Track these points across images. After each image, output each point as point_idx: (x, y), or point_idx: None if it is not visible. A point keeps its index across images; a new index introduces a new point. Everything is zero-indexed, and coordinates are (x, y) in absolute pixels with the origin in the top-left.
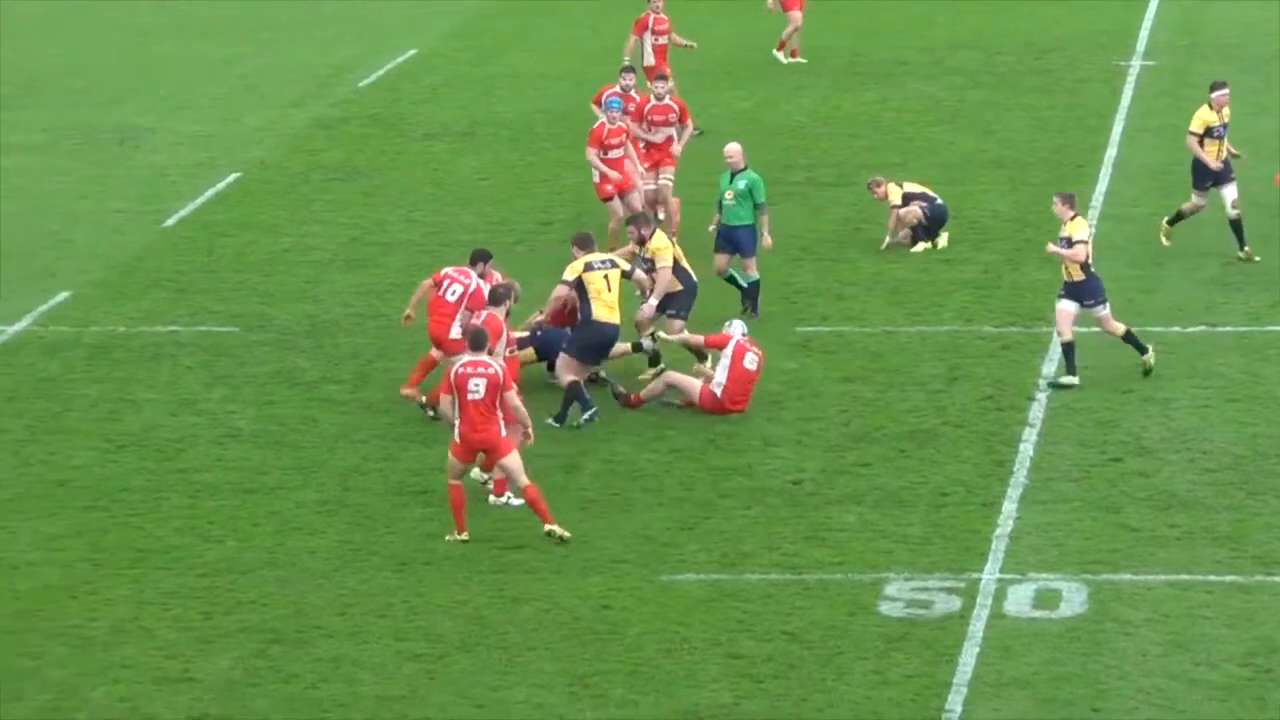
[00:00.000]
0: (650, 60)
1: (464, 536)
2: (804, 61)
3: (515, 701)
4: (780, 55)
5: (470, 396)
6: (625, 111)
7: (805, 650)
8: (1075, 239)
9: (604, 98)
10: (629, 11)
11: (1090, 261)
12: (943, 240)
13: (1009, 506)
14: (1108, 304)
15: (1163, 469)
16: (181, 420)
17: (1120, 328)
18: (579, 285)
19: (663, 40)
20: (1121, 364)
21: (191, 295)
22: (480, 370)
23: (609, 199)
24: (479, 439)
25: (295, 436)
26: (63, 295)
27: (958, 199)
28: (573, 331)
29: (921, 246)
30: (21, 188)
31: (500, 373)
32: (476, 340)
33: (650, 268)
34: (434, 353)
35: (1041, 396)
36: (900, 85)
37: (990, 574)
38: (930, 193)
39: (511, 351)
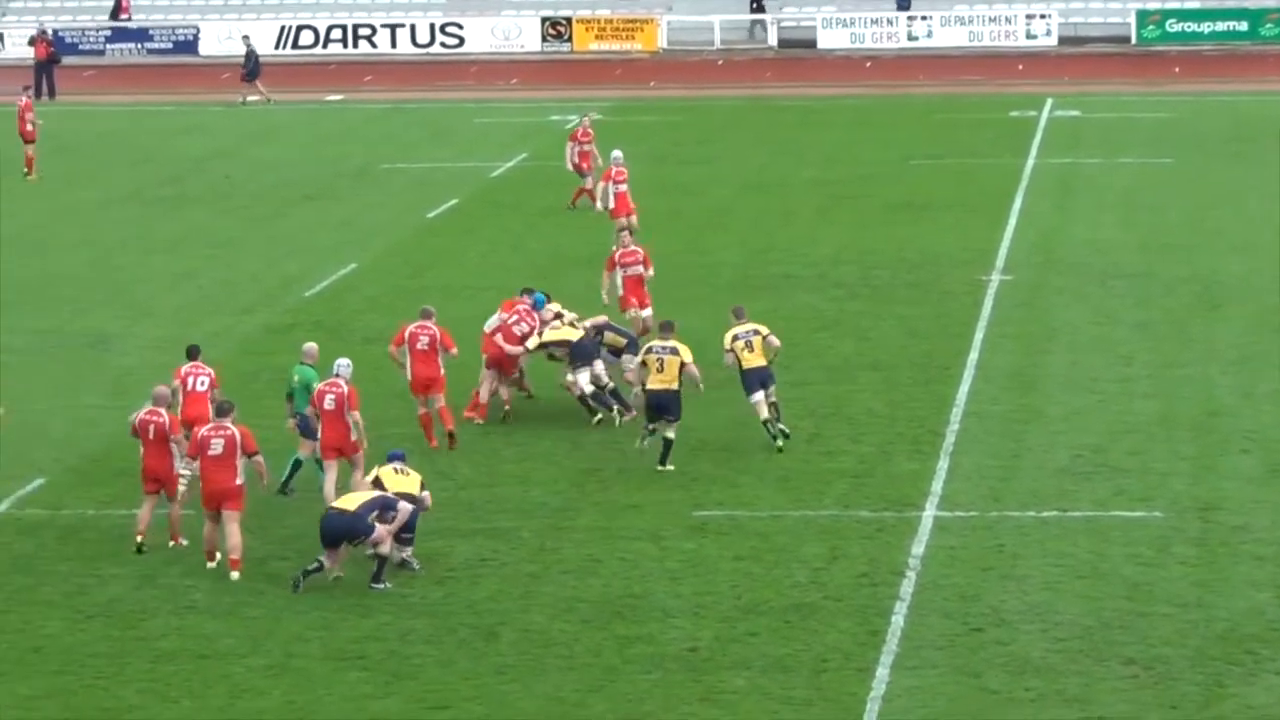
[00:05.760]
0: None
1: None
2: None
3: None
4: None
5: (210, 453)
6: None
7: None
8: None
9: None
10: (548, 231)
11: None
12: None
13: (882, 672)
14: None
15: (1019, 638)
16: (144, 594)
17: None
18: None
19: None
20: (984, 544)
21: None
22: (220, 433)
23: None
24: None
25: (245, 608)
26: (38, 481)
27: (837, 398)
28: None
29: None
30: (4, 385)
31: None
32: (220, 409)
33: None
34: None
35: (911, 574)
36: (787, 297)
37: None
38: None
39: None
